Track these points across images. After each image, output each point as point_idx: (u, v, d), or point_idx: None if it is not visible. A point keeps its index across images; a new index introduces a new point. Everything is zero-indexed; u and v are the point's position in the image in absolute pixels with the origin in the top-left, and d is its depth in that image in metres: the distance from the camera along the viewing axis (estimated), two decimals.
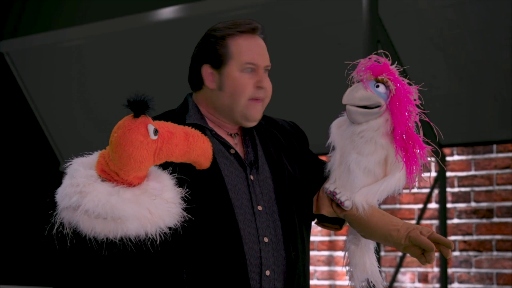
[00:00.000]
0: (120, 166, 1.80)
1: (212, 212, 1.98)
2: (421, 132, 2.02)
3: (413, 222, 4.73)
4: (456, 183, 4.67)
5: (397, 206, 4.87)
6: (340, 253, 5.03)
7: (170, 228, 1.84)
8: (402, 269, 4.78)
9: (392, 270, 4.80)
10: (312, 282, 5.01)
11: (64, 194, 1.81)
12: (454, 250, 4.64)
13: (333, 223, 2.13)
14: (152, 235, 1.82)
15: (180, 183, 1.91)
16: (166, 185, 1.88)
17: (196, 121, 2.09)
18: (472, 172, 4.62)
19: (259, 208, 2.05)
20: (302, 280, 2.08)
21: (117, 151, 1.79)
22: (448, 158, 4.69)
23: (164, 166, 1.91)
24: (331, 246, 5.10)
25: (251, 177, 2.08)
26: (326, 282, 5.07)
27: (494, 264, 4.52)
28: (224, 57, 2.08)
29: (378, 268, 2.14)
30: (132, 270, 1.93)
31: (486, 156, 4.58)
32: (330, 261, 5.08)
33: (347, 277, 2.16)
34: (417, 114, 2.01)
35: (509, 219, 4.49)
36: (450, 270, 4.63)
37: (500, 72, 4.30)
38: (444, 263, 4.55)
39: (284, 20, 4.76)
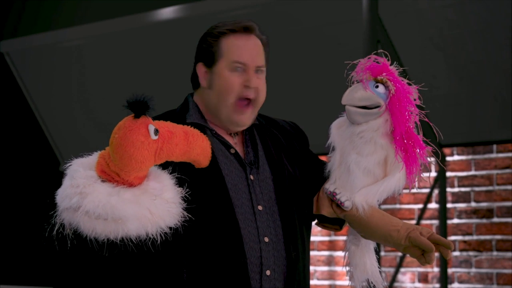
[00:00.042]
0: (121, 166, 1.80)
1: (212, 211, 1.99)
2: (421, 132, 2.02)
3: (413, 222, 4.73)
4: (456, 183, 4.67)
5: (397, 206, 4.87)
6: (340, 253, 5.03)
7: (170, 228, 1.84)
8: (402, 269, 4.78)
9: (392, 270, 4.80)
10: (312, 282, 5.01)
11: (65, 195, 1.81)
12: (454, 250, 4.64)
13: (333, 224, 2.13)
14: (152, 235, 1.82)
15: (180, 183, 1.91)
16: (166, 185, 1.88)
17: (197, 120, 2.10)
18: (472, 172, 4.62)
19: (259, 208, 2.05)
20: (302, 280, 2.09)
21: (118, 152, 1.79)
22: (448, 158, 4.69)
23: (164, 166, 1.92)
24: (331, 246, 5.10)
25: (251, 177, 2.08)
26: (326, 282, 5.07)
27: (494, 264, 4.52)
28: (215, 55, 2.09)
29: (378, 269, 2.14)
30: (133, 270, 1.93)
31: (486, 156, 4.58)
32: (330, 261, 5.08)
33: (347, 277, 2.16)
34: (417, 115, 2.01)
35: (509, 219, 4.49)
36: (450, 270, 4.63)
37: (500, 72, 4.30)
38: (444, 263, 4.55)
39: (284, 20, 4.76)
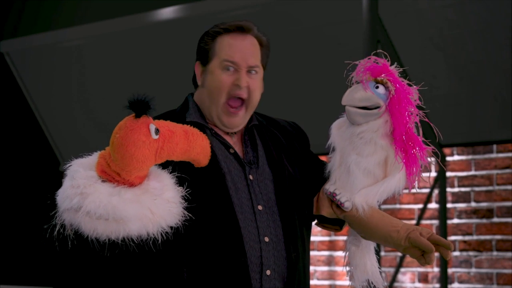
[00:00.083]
0: (122, 166, 1.80)
1: (212, 211, 1.99)
2: (421, 133, 2.02)
3: (413, 222, 4.73)
4: (456, 183, 4.67)
5: (397, 206, 4.87)
6: (340, 253, 5.03)
7: (171, 228, 1.84)
8: (402, 269, 4.78)
9: (392, 270, 4.80)
10: (312, 282, 5.01)
11: (65, 196, 1.81)
12: (454, 250, 4.64)
13: (333, 224, 2.13)
14: (154, 235, 1.82)
15: (180, 182, 1.91)
16: (167, 184, 1.88)
17: (196, 120, 2.10)
18: (472, 172, 4.62)
19: (259, 207, 2.06)
20: (303, 280, 2.09)
21: (119, 152, 1.79)
22: (448, 158, 4.69)
23: (164, 165, 1.92)
24: (331, 246, 5.10)
25: (250, 176, 2.09)
26: (326, 282, 5.07)
27: (494, 264, 4.52)
28: (209, 54, 2.11)
29: (378, 269, 2.14)
30: (134, 270, 1.93)
31: (486, 156, 4.58)
32: (330, 261, 5.08)
33: (347, 277, 2.16)
34: (417, 115, 2.01)
35: (509, 219, 4.49)
36: (450, 270, 4.63)
37: (500, 72, 4.30)
38: (444, 263, 4.55)
39: (284, 20, 4.76)
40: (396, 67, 2.03)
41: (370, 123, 2.00)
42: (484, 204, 4.57)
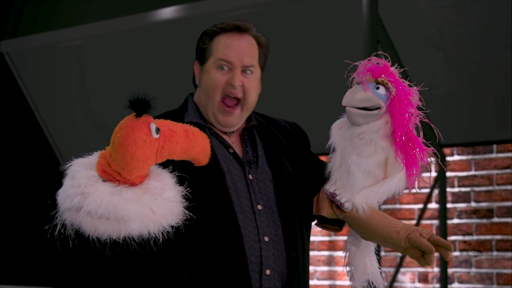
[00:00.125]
0: (123, 166, 1.80)
1: (212, 210, 1.99)
2: (421, 133, 2.02)
3: (413, 222, 4.73)
4: (456, 183, 4.67)
5: (397, 206, 4.87)
6: (340, 253, 5.03)
7: (172, 227, 1.85)
8: (402, 269, 4.78)
9: (392, 270, 4.80)
10: (312, 282, 5.01)
11: (66, 196, 1.81)
12: (454, 250, 4.64)
13: (333, 225, 2.13)
14: (155, 234, 1.82)
15: (180, 182, 1.92)
16: (167, 183, 1.88)
17: (195, 120, 2.10)
18: (472, 172, 4.62)
19: (259, 207, 2.06)
20: (302, 280, 2.09)
21: (120, 151, 1.79)
22: (448, 158, 4.69)
23: (164, 164, 1.92)
24: (331, 246, 5.10)
25: (250, 176, 2.09)
26: (326, 282, 5.07)
27: (494, 264, 4.52)
28: (206, 53, 2.12)
29: (378, 269, 2.14)
30: (135, 270, 1.93)
31: (486, 156, 4.58)
32: (330, 261, 5.08)
33: (348, 278, 2.16)
34: (417, 116, 2.01)
35: (509, 219, 4.49)
36: (450, 270, 4.63)
37: (500, 72, 4.30)
38: (444, 263, 4.55)
39: (284, 20, 4.76)
40: (396, 68, 2.03)
41: (370, 124, 2.00)
42: (484, 204, 4.57)
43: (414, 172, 2.00)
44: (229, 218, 2.00)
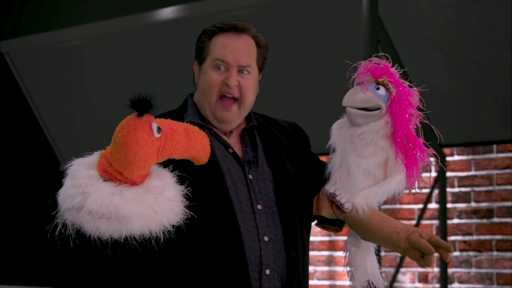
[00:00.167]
0: (125, 165, 1.80)
1: (212, 210, 1.99)
2: (422, 134, 2.02)
3: (413, 222, 4.73)
4: (456, 183, 4.67)
5: (397, 206, 4.87)
6: (340, 253, 5.03)
7: (173, 226, 1.85)
8: (402, 269, 4.78)
9: (392, 270, 4.80)
10: (312, 282, 5.01)
11: (67, 195, 1.81)
12: (454, 250, 4.64)
13: (333, 225, 2.13)
14: (156, 233, 1.82)
15: (180, 181, 1.92)
16: (168, 183, 1.88)
17: (194, 120, 2.11)
18: (472, 172, 4.62)
19: (259, 207, 2.06)
20: (302, 280, 2.09)
21: (122, 151, 1.79)
22: (448, 158, 4.69)
23: (164, 164, 1.92)
24: (331, 246, 5.10)
25: (250, 176, 2.09)
26: (326, 282, 5.07)
27: (494, 264, 4.52)
28: (204, 53, 2.13)
29: (379, 270, 2.14)
30: (136, 269, 1.93)
31: (486, 156, 4.58)
32: (330, 261, 5.09)
33: (348, 278, 2.16)
34: (417, 117, 2.01)
35: (509, 219, 4.49)
36: (450, 270, 4.63)
37: (500, 72, 4.30)
38: (444, 263, 4.55)
39: (284, 20, 4.76)
40: (397, 68, 2.03)
41: (370, 124, 2.00)
42: (484, 204, 4.57)
43: (414, 172, 2.00)
44: (228, 218, 2.00)
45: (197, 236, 1.97)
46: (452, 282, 4.62)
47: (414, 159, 1.99)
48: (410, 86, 2.02)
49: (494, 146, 4.56)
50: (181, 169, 1.93)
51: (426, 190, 4.72)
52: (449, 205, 4.67)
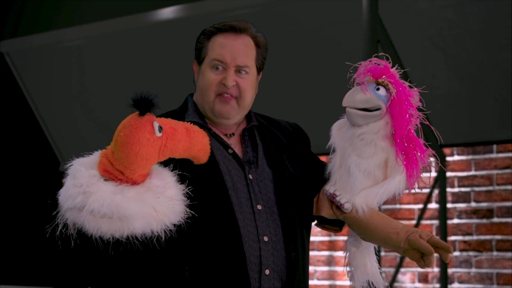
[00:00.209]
0: (127, 164, 1.80)
1: (211, 210, 1.99)
2: (422, 135, 2.02)
3: (413, 222, 4.73)
4: (456, 183, 4.67)
5: (397, 206, 4.87)
6: (340, 253, 5.03)
7: (174, 225, 1.85)
8: (402, 269, 4.78)
9: (392, 270, 4.80)
10: (312, 282, 5.01)
11: (68, 195, 1.80)
12: (454, 250, 4.64)
13: (333, 225, 2.13)
14: (157, 232, 1.82)
15: (180, 180, 1.92)
16: (168, 182, 1.89)
17: (195, 120, 2.11)
18: (472, 172, 4.62)
19: (259, 207, 2.06)
20: (302, 281, 2.09)
21: (123, 150, 1.79)
22: (448, 158, 4.69)
23: (165, 163, 1.92)
24: (331, 246, 5.10)
25: (250, 176, 2.09)
26: (326, 282, 5.07)
27: (494, 264, 4.52)
28: (202, 53, 2.14)
29: (379, 270, 2.14)
30: (137, 268, 1.93)
31: (486, 156, 4.59)
32: (330, 261, 5.09)
33: (348, 278, 2.16)
34: (417, 117, 2.01)
35: (509, 219, 4.49)
36: (450, 270, 4.63)
37: (500, 72, 4.30)
38: (444, 263, 4.55)
39: (284, 20, 4.76)
40: (397, 69, 2.03)
41: (370, 125, 2.00)
42: (484, 204, 4.57)
43: (415, 173, 2.00)
44: (228, 218, 2.00)
45: (197, 236, 1.97)
46: (452, 282, 4.62)
47: (415, 160, 1.99)
48: (410, 87, 2.02)
49: (494, 146, 4.56)
50: (181, 169, 1.93)
51: (426, 190, 4.72)
52: (449, 205, 4.67)
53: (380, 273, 2.15)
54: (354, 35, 4.38)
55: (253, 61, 2.14)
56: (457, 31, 4.31)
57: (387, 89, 2.00)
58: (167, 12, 5.25)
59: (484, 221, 4.56)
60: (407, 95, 2.00)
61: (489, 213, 4.55)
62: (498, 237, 4.52)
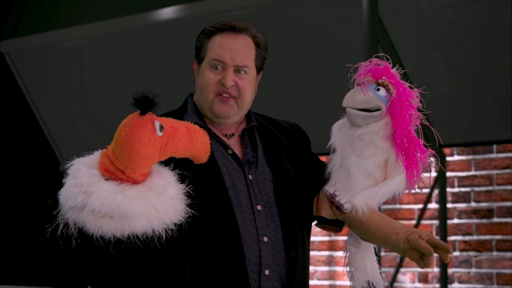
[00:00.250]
0: (128, 164, 1.80)
1: (211, 210, 1.99)
2: (422, 135, 2.02)
3: (413, 222, 4.73)
4: (456, 183, 4.67)
5: (397, 206, 4.87)
6: (340, 253, 5.03)
7: (175, 225, 1.85)
8: (402, 269, 4.78)
9: (392, 270, 4.80)
10: (312, 282, 5.01)
11: (69, 195, 1.80)
12: (454, 250, 4.64)
13: (333, 225, 2.13)
14: (158, 232, 1.82)
15: (181, 180, 1.92)
16: (169, 181, 1.89)
17: (194, 120, 2.11)
18: (472, 172, 4.62)
19: (259, 207, 2.06)
20: (302, 281, 2.09)
21: (125, 149, 1.79)
22: (448, 158, 4.70)
23: (165, 163, 1.92)
24: (331, 246, 5.10)
25: (250, 176, 2.09)
26: (326, 282, 5.07)
27: (494, 264, 4.52)
28: (202, 53, 2.14)
29: (378, 270, 2.14)
30: (138, 268, 1.93)
31: (486, 156, 4.59)
32: (330, 261, 5.09)
33: (348, 278, 2.16)
34: (418, 118, 2.01)
35: (509, 219, 4.49)
36: (450, 270, 4.63)
37: (500, 72, 4.30)
38: (444, 263, 4.55)
39: (284, 20, 4.76)
40: (397, 69, 2.03)
41: (370, 125, 2.00)
42: (484, 204, 4.57)
43: (415, 174, 2.00)
44: (228, 218, 2.00)
45: (197, 236, 1.97)
46: (452, 282, 4.62)
47: (415, 160, 1.99)
48: (411, 87, 2.02)
49: (494, 146, 4.56)
50: (181, 168, 1.93)
51: (426, 190, 4.72)
52: (449, 205, 4.67)
53: (380, 273, 2.15)
54: (354, 35, 4.38)
55: (252, 61, 2.14)
56: (457, 31, 4.31)
57: (388, 90, 2.00)
58: (167, 12, 5.25)
59: (484, 221, 4.56)
60: (407, 96, 1.99)
61: (489, 213, 4.55)
62: (498, 237, 4.52)
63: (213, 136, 2.11)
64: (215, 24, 2.14)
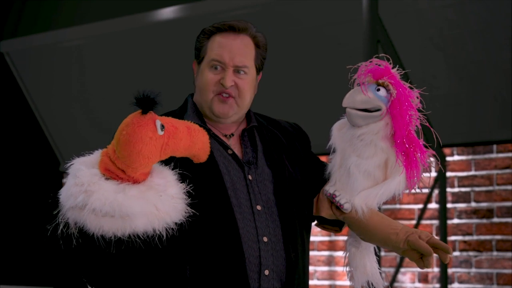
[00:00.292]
0: (129, 163, 1.80)
1: (211, 210, 1.99)
2: (422, 136, 2.02)
3: (413, 222, 4.73)
4: (456, 183, 4.67)
5: (397, 206, 4.87)
6: (340, 253, 5.03)
7: (175, 224, 1.85)
8: (402, 269, 4.78)
9: (392, 270, 4.80)
10: (312, 282, 5.01)
11: (69, 194, 1.80)
12: (454, 250, 4.64)
13: (332, 225, 2.13)
14: (159, 231, 1.82)
15: (181, 179, 1.92)
16: (170, 180, 1.89)
17: (194, 121, 2.11)
18: (472, 172, 4.63)
19: (258, 207, 2.06)
20: (302, 281, 2.09)
21: (126, 148, 1.79)
22: (448, 158, 4.70)
23: (165, 162, 1.92)
24: (331, 246, 5.10)
25: (249, 176, 2.09)
26: (326, 282, 5.07)
27: (494, 264, 4.52)
28: (201, 53, 2.14)
29: (378, 270, 2.14)
30: (139, 267, 1.93)
31: (486, 156, 4.59)
32: (330, 261, 5.09)
33: (348, 278, 2.16)
34: (418, 118, 2.01)
35: (509, 219, 4.49)
36: (450, 270, 4.63)
37: (500, 72, 4.30)
38: (444, 263, 4.55)
39: (284, 20, 4.76)
40: (398, 69, 2.03)
41: (370, 125, 2.00)
42: (484, 204, 4.57)
43: (415, 174, 2.00)
44: (227, 219, 2.00)
45: (197, 236, 1.97)
46: (452, 282, 4.62)
47: (415, 161, 1.99)
48: (411, 88, 2.02)
49: (494, 146, 4.56)
50: (181, 168, 1.93)
51: (426, 190, 4.72)
52: (449, 205, 4.67)
53: (380, 273, 2.15)
54: (354, 35, 4.38)
55: (252, 61, 2.13)
56: (457, 31, 4.31)
57: (388, 90, 2.00)
58: (167, 12, 5.25)
59: (484, 221, 4.56)
60: (407, 96, 1.99)
61: (489, 213, 4.55)
62: (498, 237, 4.52)
63: (213, 136, 2.11)
64: (215, 24, 2.14)
